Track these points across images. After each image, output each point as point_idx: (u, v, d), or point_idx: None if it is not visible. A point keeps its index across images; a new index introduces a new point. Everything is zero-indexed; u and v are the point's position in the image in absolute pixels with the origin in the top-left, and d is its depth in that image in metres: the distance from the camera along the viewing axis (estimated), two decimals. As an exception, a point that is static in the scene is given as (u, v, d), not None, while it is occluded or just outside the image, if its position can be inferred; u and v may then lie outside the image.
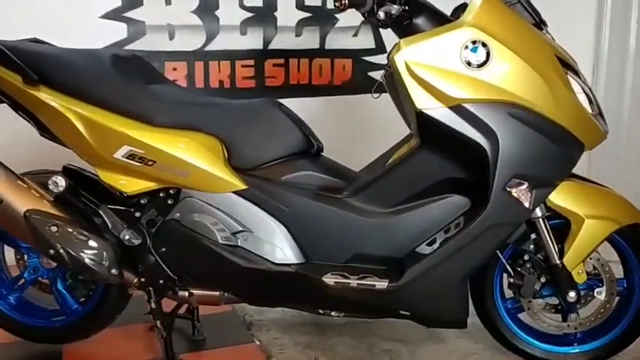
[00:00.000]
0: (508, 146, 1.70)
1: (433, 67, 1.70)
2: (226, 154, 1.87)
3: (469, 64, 1.69)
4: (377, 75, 3.03)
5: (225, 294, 1.93)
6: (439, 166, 1.81)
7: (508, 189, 1.72)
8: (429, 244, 1.84)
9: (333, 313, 1.93)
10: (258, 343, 2.23)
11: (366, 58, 3.13)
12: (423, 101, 1.71)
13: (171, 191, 1.88)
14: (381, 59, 3.09)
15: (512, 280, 1.94)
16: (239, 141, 1.88)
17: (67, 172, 1.96)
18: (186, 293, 1.91)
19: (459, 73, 1.70)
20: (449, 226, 1.82)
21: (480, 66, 1.69)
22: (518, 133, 1.70)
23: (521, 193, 1.73)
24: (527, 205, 1.74)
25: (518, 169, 1.71)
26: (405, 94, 1.74)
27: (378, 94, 1.97)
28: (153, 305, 1.92)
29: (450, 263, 1.76)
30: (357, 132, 3.08)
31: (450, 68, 1.70)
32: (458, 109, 1.70)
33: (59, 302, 2.09)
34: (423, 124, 1.76)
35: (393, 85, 1.82)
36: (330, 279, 1.79)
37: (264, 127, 1.92)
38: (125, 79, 1.84)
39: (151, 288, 1.91)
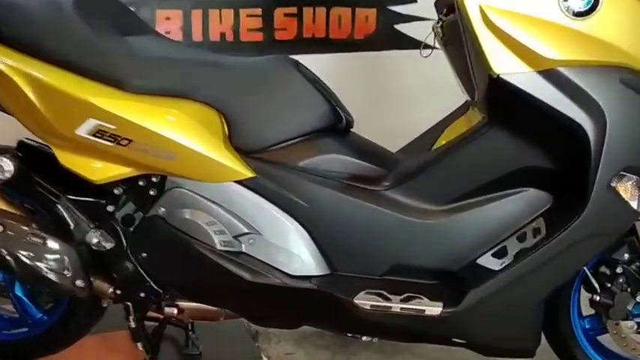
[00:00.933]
0: (619, 127, 1.24)
1: (519, 16, 1.24)
2: (227, 131, 1.41)
3: (571, 11, 1.21)
4: (406, 28, 2.61)
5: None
6: (514, 152, 1.35)
7: (613, 185, 1.26)
8: (496, 255, 1.38)
9: (364, 338, 1.49)
10: (266, 359, 1.83)
11: (393, 8, 2.66)
12: (503, 62, 1.25)
13: (153, 179, 1.42)
14: (411, 9, 2.62)
15: (598, 298, 1.49)
16: (244, 113, 1.42)
17: (23, 149, 1.50)
18: (175, 310, 1.48)
19: (556, 23, 1.24)
20: (523, 232, 1.37)
21: (586, 14, 1.21)
22: (634, 109, 1.23)
23: (629, 189, 1.27)
24: (635, 205, 1.28)
25: (630, 159, 1.25)
26: (477, 51, 1.27)
27: (429, 51, 1.49)
28: (132, 324, 1.49)
29: (527, 283, 1.32)
30: (384, 98, 2.60)
31: (543, 17, 1.24)
32: (551, 74, 1.25)
33: (19, 311, 1.66)
34: (498, 94, 1.29)
35: (454, 40, 1.36)
36: (364, 301, 1.34)
37: (278, 95, 1.46)
38: (92, 29, 1.38)
39: (129, 303, 1.47)
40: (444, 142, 1.56)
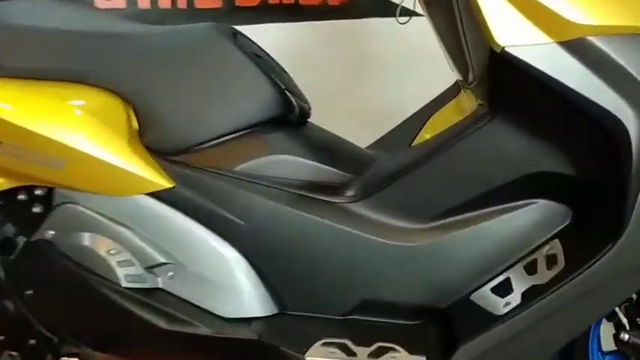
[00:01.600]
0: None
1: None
2: (136, 127, 1.06)
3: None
4: (386, -8, 2.27)
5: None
6: (522, 151, 0.99)
7: (661, 200, 0.91)
8: (497, 291, 1.03)
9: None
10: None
11: (373, -31, 2.34)
12: (510, 31, 0.89)
13: (37, 192, 1.06)
14: (393, -31, 2.25)
15: (626, 336, 1.15)
16: (160, 102, 1.06)
17: None
18: (76, 360, 1.13)
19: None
20: (533, 259, 1.02)
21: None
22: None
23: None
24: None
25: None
26: (474, 17, 0.90)
27: (406, 18, 1.13)
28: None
29: (539, 334, 0.97)
30: (362, 73, 2.24)
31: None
32: (577, 46, 0.88)
33: None
34: (503, 74, 0.94)
35: (441, 2, 0.99)
36: (319, 358, 0.99)
37: (207, 77, 1.10)
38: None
39: (14, 352, 1.11)
40: (427, 137, 1.21)
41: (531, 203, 1.03)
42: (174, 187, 1.04)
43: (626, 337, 1.15)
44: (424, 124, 1.25)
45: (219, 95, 1.10)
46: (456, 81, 1.28)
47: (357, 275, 1.06)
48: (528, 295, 0.98)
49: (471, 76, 1.05)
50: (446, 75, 1.26)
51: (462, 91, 1.24)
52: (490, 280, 1.04)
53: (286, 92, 1.12)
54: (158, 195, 1.04)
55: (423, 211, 1.05)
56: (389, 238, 1.04)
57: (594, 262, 0.92)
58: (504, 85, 0.96)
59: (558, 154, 0.97)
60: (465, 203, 1.04)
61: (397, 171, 1.07)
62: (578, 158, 0.96)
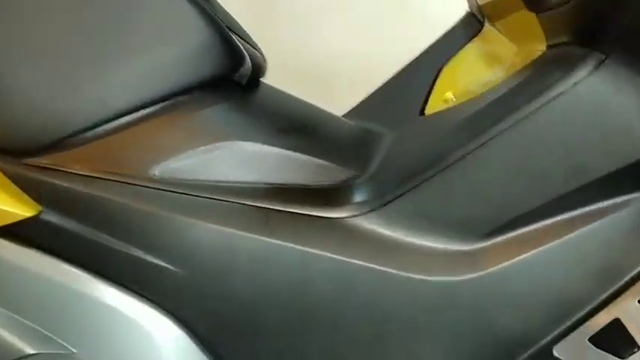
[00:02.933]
0: None
1: None
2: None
3: None
4: None
5: None
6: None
7: None
8: (601, 340, 0.63)
9: None
10: None
11: None
12: None
13: None
14: None
15: None
16: (8, 66, 0.58)
17: None
18: None
19: None
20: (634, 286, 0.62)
21: None
22: None
23: None
24: None
25: None
26: None
27: None
28: None
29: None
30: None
31: None
32: None
33: None
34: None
35: None
36: None
37: (93, 13, 0.62)
38: None
39: None
40: (450, 99, 0.78)
41: (626, 201, 0.64)
42: (39, 213, 0.57)
43: None
44: (433, 80, 0.82)
45: (116, 42, 0.62)
46: (469, 13, 0.86)
47: (370, 332, 0.63)
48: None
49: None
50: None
51: (487, 25, 0.82)
52: (582, 322, 0.65)
53: (231, 35, 0.66)
54: (13, 230, 0.56)
55: (476, 223, 0.63)
56: (424, 270, 0.62)
57: None
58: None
59: None
60: (542, 207, 0.63)
61: (427, 160, 0.64)
62: None
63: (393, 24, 1.44)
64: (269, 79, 0.73)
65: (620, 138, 0.59)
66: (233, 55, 0.65)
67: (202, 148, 0.63)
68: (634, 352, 0.61)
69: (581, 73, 0.58)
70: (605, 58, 0.57)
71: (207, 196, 0.61)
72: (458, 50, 0.83)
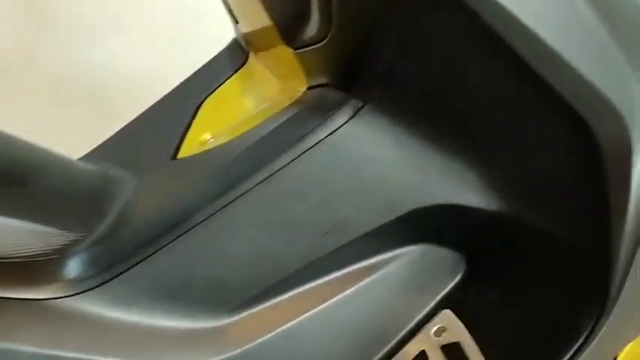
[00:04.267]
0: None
1: None
2: None
3: None
4: None
5: None
6: (412, 171, 0.52)
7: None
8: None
9: None
10: None
11: None
12: None
13: None
14: None
15: None
16: None
17: None
18: None
19: None
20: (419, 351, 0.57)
21: None
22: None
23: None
24: None
25: None
26: None
27: None
28: None
29: None
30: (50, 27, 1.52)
31: None
32: None
33: None
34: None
35: None
36: None
37: None
38: None
39: None
40: (207, 139, 0.68)
41: (407, 252, 0.58)
42: None
43: None
44: (192, 116, 0.71)
45: None
46: (234, 40, 0.77)
47: None
48: None
49: (312, 29, 0.54)
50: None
51: (252, 56, 0.74)
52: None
53: None
54: None
55: (224, 294, 0.53)
56: (161, 358, 0.51)
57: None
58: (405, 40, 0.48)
59: (479, 175, 0.52)
60: (301, 271, 0.55)
61: (169, 220, 0.53)
62: (521, 182, 0.52)
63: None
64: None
65: (380, 192, 0.52)
66: None
67: None
68: None
69: (339, 120, 0.51)
70: (363, 106, 0.50)
71: None
72: (221, 83, 0.74)
